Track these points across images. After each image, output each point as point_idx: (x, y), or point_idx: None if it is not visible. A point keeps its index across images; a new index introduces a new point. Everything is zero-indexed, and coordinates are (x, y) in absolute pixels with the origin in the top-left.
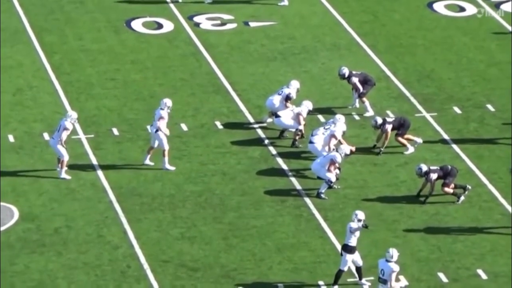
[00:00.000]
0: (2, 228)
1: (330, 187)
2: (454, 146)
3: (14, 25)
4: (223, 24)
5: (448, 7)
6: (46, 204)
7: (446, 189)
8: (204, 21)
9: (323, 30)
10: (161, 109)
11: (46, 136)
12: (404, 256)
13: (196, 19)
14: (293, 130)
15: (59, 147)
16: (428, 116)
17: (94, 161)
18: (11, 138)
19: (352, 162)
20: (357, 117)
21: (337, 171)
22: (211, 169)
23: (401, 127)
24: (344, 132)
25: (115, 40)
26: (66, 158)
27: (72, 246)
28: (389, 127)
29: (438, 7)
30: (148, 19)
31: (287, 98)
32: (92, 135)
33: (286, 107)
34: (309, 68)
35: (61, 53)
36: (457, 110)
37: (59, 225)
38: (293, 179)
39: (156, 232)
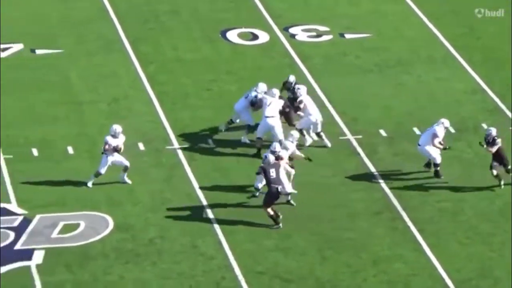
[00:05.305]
0: (97, 238)
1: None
2: None
3: (110, 34)
4: (318, 35)
5: None
6: (140, 214)
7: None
8: (300, 33)
9: (419, 43)
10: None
11: (141, 146)
12: (499, 269)
13: (292, 30)
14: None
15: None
16: None
17: (189, 172)
18: None
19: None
20: (452, 131)
21: (288, 168)
22: (303, 180)
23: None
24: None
25: (210, 50)
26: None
27: (166, 256)
28: (495, 147)
29: None
30: (243, 30)
31: (252, 103)
32: (188, 145)
33: (253, 111)
34: (404, 80)
35: (156, 62)
36: None
37: (154, 235)
38: (388, 192)
39: (250, 243)
